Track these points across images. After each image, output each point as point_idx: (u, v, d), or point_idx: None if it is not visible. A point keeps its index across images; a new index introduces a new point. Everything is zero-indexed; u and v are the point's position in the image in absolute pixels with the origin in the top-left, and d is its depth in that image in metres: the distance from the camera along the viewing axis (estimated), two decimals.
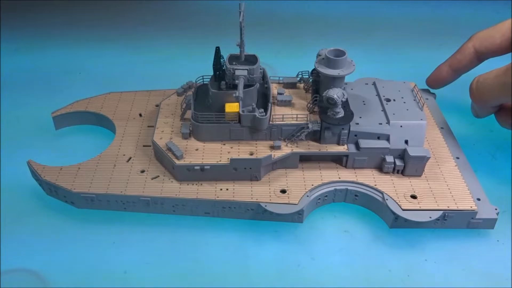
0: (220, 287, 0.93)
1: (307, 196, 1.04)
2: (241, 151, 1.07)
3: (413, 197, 1.03)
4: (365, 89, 1.21)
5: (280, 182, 1.07)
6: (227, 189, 1.05)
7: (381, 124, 1.09)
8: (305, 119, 1.08)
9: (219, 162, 1.05)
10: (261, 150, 1.07)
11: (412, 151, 1.05)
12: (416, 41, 1.76)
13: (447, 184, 1.06)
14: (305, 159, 1.11)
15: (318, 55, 1.12)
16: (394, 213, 1.00)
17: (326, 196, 1.07)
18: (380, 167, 1.09)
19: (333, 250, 0.99)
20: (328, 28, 1.84)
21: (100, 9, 1.97)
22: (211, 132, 1.09)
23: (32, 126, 1.32)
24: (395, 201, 1.02)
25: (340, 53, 1.07)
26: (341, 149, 1.09)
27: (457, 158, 1.14)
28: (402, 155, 1.07)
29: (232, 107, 1.05)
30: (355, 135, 1.08)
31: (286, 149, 1.08)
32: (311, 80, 1.20)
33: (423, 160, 1.05)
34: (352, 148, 1.08)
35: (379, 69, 1.52)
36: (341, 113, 1.07)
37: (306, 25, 1.87)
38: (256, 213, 1.04)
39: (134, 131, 1.22)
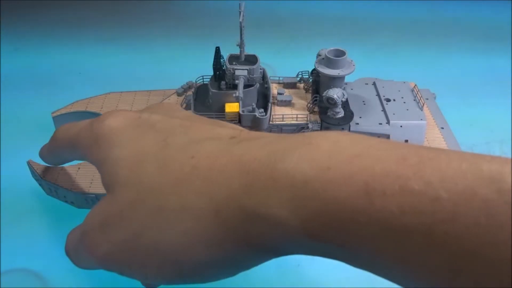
0: (220, 287, 0.93)
1: None
2: None
3: None
4: (365, 89, 1.21)
5: None
6: None
7: (381, 124, 1.09)
8: (305, 119, 1.08)
9: None
10: None
11: None
12: (416, 41, 1.76)
13: None
14: None
15: (318, 55, 1.12)
16: None
17: None
18: None
19: None
20: (328, 28, 1.84)
21: (101, 9, 1.97)
22: None
23: (32, 126, 1.31)
24: None
25: (340, 53, 1.07)
26: None
27: None
28: None
29: (232, 107, 1.05)
30: None
31: None
32: (311, 80, 1.20)
33: None
34: None
35: (379, 69, 1.52)
36: (341, 113, 1.06)
37: (306, 25, 1.87)
38: None
39: None
